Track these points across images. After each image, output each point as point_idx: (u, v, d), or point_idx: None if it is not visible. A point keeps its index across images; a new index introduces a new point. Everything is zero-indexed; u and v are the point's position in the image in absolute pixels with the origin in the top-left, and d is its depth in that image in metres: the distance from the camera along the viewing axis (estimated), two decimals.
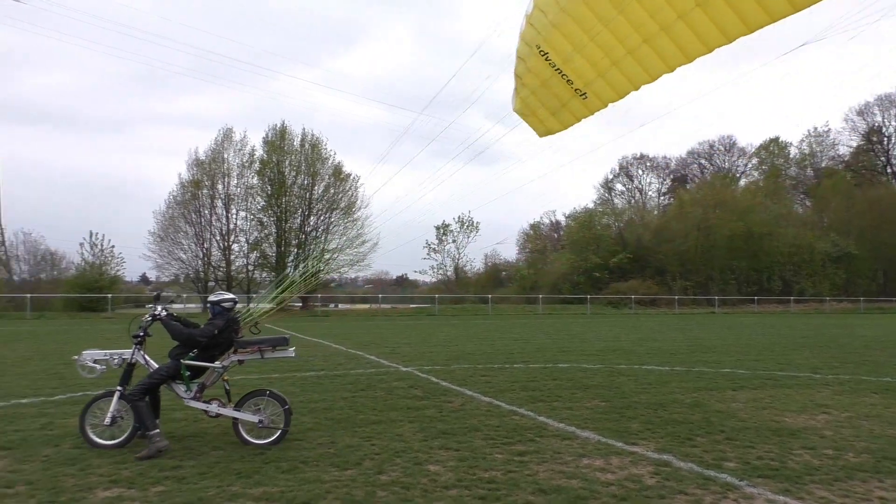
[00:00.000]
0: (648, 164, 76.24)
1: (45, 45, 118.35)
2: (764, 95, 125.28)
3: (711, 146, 77.31)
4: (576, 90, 7.02)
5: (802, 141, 73.43)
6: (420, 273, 67.05)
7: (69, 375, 11.98)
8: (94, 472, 5.84)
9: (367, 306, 53.39)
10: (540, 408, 8.94)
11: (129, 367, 6.90)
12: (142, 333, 6.98)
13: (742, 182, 72.24)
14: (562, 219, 73.95)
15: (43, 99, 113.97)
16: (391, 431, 7.50)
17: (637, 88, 6.88)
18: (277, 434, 6.80)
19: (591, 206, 68.31)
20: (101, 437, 6.66)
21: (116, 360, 6.97)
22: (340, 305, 55.59)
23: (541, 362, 14.41)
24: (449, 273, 63.29)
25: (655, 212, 71.00)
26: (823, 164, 72.77)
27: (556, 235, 75.75)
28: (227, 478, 5.67)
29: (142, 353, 6.97)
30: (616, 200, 74.48)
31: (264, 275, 50.47)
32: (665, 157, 77.56)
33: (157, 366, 6.91)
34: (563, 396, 9.88)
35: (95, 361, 7.01)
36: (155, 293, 7.64)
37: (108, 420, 6.64)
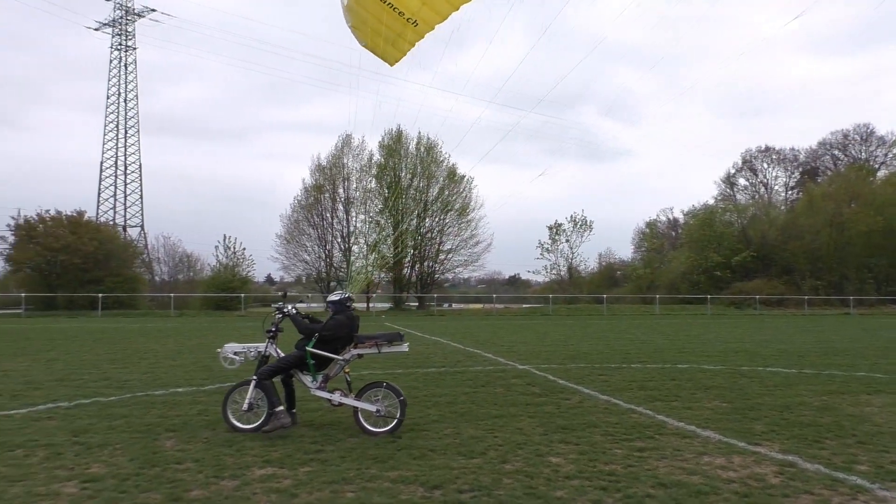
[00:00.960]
0: (774, 156, 72.33)
1: (180, 62, 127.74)
2: None
3: (846, 136, 72.20)
4: (407, 20, 7.72)
5: None
6: (533, 273, 66.99)
7: (216, 368, 13.15)
8: (249, 452, 6.55)
9: (480, 306, 54.01)
10: (658, 407, 9.00)
11: (264, 359, 7.67)
12: (274, 329, 7.73)
13: (881, 173, 67.00)
14: (680, 216, 71.62)
15: (178, 111, 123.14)
16: (512, 425, 7.83)
17: (457, 9, 7.65)
18: (393, 423, 7.31)
19: (711, 202, 65.72)
20: (240, 421, 7.43)
21: (253, 353, 7.78)
22: (454, 305, 56.55)
23: (659, 363, 14.28)
24: (562, 272, 62.85)
25: (782, 207, 67.25)
26: None
27: (673, 233, 73.44)
28: (364, 462, 6.21)
29: (274, 346, 7.74)
30: (739, 196, 71.21)
31: (382, 275, 52.21)
32: (793, 149, 73.23)
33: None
34: (683, 396, 9.85)
35: (235, 353, 7.84)
36: (282, 293, 8.40)
37: (245, 406, 7.41)
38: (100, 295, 39.51)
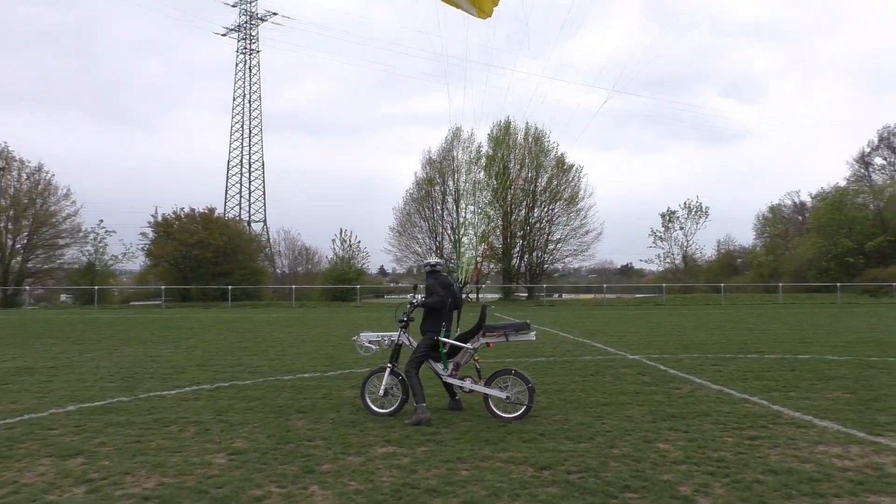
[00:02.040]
0: None
1: (298, 61, 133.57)
2: None
3: None
4: None
5: None
6: (646, 262, 65.32)
7: (336, 356, 14.01)
8: (371, 433, 7.09)
9: (591, 296, 53.38)
10: (775, 397, 8.83)
11: (397, 347, 8.16)
12: (406, 318, 8.18)
13: None
14: (807, 199, 67.46)
15: (297, 109, 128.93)
16: (620, 413, 7.97)
17: None
18: (522, 410, 7.61)
19: (842, 183, 61.48)
20: (376, 406, 7.98)
21: (386, 341, 8.29)
22: (564, 295, 56.18)
23: (778, 353, 13.82)
24: (677, 261, 60.93)
25: None
26: None
27: (800, 218, 69.31)
28: (477, 443, 6.59)
29: (406, 335, 8.18)
30: (874, 176, 66.16)
31: (492, 265, 52.68)
32: None
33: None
34: (802, 387, 9.59)
35: (371, 342, 8.37)
36: (413, 285, 8.89)
37: (381, 392, 7.94)
38: (229, 287, 42.33)
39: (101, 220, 49.01)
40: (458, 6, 7.40)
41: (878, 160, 67.81)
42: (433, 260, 8.36)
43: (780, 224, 67.61)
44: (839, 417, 7.55)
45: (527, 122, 49.43)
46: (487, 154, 50.00)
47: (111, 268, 49.54)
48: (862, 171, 66.82)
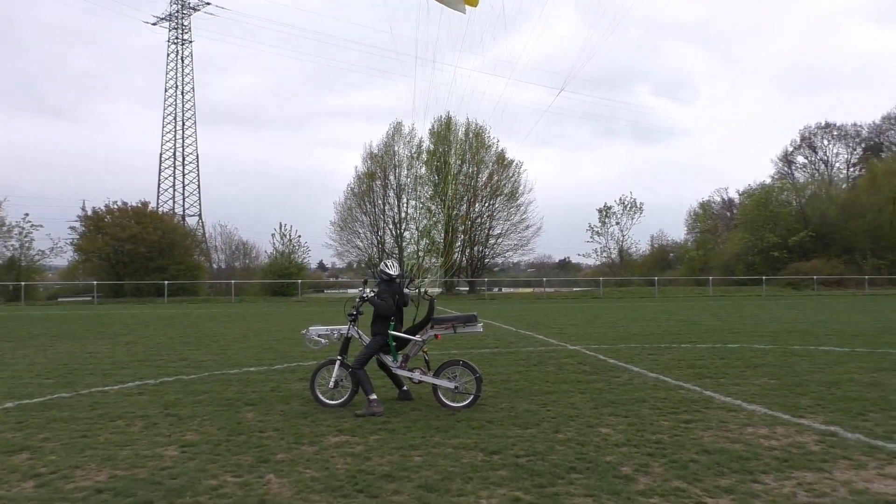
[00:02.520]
0: (835, 133, 70.20)
1: (234, 52, 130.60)
2: None
3: None
4: None
5: None
6: (583, 256, 66.81)
7: (282, 350, 13.97)
8: (323, 423, 7.19)
9: (530, 290, 54.25)
10: (706, 383, 9.33)
11: (346, 341, 8.25)
12: (355, 312, 8.27)
13: None
14: (735, 196, 70.21)
15: (233, 101, 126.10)
16: (564, 400, 8.29)
17: None
18: (470, 399, 7.83)
19: (768, 181, 64.25)
20: (326, 397, 8.06)
21: (336, 335, 8.36)
22: (504, 289, 56.92)
23: (709, 343, 14.50)
24: (613, 255, 62.53)
25: (844, 185, 65.32)
26: None
27: (728, 214, 72.06)
28: (428, 431, 6.77)
29: (356, 328, 8.28)
30: (797, 174, 69.46)
31: (433, 260, 52.82)
32: (855, 125, 70.82)
33: (367, 339, 8.20)
34: (731, 374, 10.14)
35: (320, 336, 8.43)
36: (363, 279, 8.96)
37: (331, 384, 8.03)
38: (165, 282, 41.29)
39: (27, 214, 46.86)
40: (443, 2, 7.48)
41: (801, 159, 71.38)
42: (394, 272, 8.30)
43: (709, 220, 70.14)
44: (766, 401, 8.05)
45: (467, 118, 49.85)
46: (429, 149, 50.19)
47: (38, 263, 47.56)
48: (785, 169, 70.16)
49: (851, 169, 70.37)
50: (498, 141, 50.80)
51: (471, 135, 49.73)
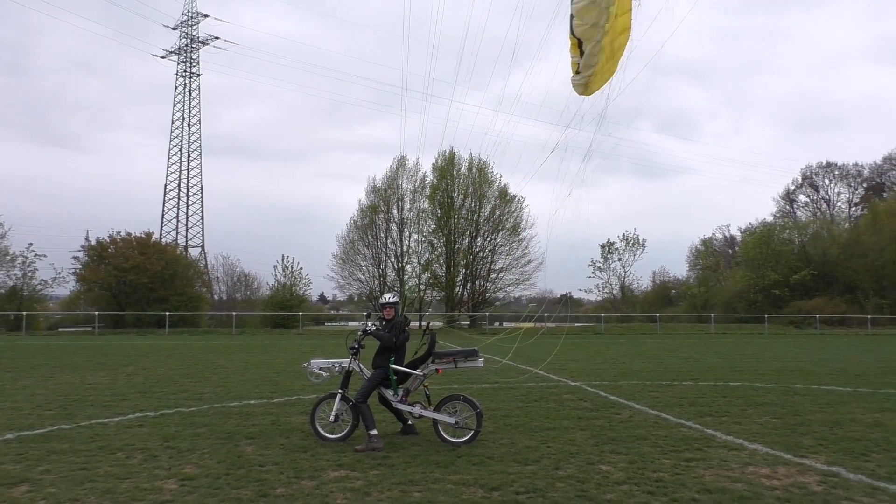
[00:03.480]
0: (837, 172, 70.53)
1: (241, 86, 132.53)
2: None
3: None
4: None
5: None
6: (585, 291, 66.66)
7: (282, 382, 13.93)
8: (322, 457, 7.17)
9: (531, 324, 54.08)
10: (708, 421, 9.29)
11: (347, 374, 8.25)
12: (357, 346, 8.29)
13: None
14: (737, 234, 70.33)
15: (239, 133, 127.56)
16: (564, 437, 8.26)
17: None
18: (470, 434, 7.82)
19: (769, 219, 64.45)
20: (326, 431, 8.04)
21: (337, 368, 8.37)
22: (505, 324, 56.72)
23: (711, 380, 14.44)
24: (615, 291, 62.44)
25: (846, 224, 65.45)
26: None
27: (730, 251, 72.10)
28: (428, 467, 6.76)
29: (357, 362, 8.29)
30: (799, 213, 69.68)
31: (434, 293, 52.91)
32: (857, 165, 71.21)
33: (369, 372, 8.21)
34: (733, 412, 10.10)
35: (321, 369, 8.43)
36: (366, 313, 9.00)
37: (332, 418, 8.01)
38: (166, 313, 41.26)
39: (31, 244, 47.07)
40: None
41: (802, 197, 71.63)
42: (392, 298, 8.43)
43: (711, 257, 70.15)
44: (768, 440, 8.01)
45: (471, 153, 50.25)
46: (432, 183, 50.50)
47: (40, 293, 47.57)
48: (787, 207, 70.38)
49: (853, 208, 70.62)
50: (501, 176, 51.14)
51: (474, 169, 50.09)
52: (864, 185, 71.41)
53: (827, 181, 70.94)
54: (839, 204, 71.02)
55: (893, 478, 6.29)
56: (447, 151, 50.58)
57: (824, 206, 70.91)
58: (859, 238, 54.91)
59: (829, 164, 70.58)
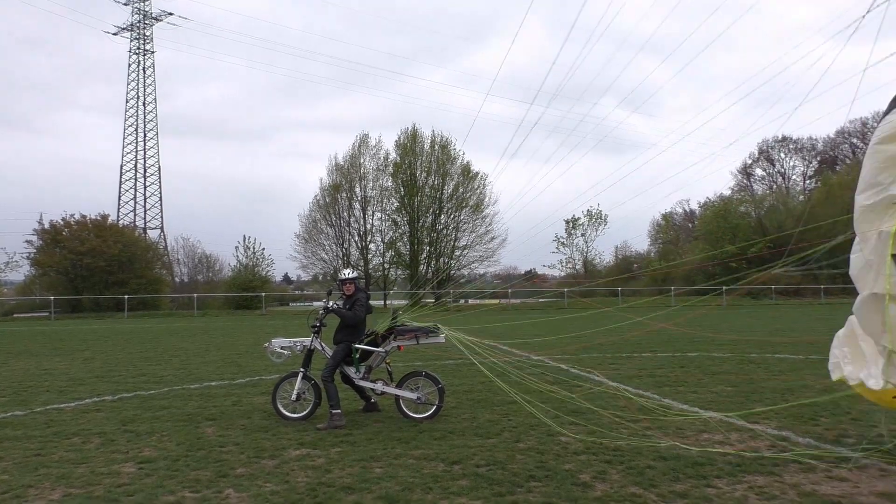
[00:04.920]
0: (792, 146, 72.15)
1: (198, 64, 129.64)
2: None
3: (864, 124, 71.62)
4: None
5: None
6: (549, 267, 67.35)
7: (244, 363, 13.82)
8: (284, 437, 7.15)
9: (496, 301, 54.45)
10: (665, 391, 9.51)
11: (309, 353, 8.22)
12: (318, 324, 8.25)
13: None
14: (696, 208, 71.62)
15: (197, 112, 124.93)
16: (525, 410, 8.35)
17: None
18: (433, 410, 7.87)
19: (727, 193, 65.74)
20: (288, 410, 8.01)
21: (299, 347, 8.33)
22: (470, 301, 57.01)
23: (669, 351, 14.75)
24: (578, 267, 63.18)
25: (800, 197, 67.09)
26: None
27: (690, 225, 73.41)
28: (389, 443, 6.79)
29: (318, 340, 8.26)
30: (755, 186, 71.19)
31: (399, 272, 52.87)
32: (811, 139, 72.91)
33: (330, 351, 8.18)
34: (690, 382, 10.34)
35: (283, 348, 8.38)
36: (327, 291, 8.94)
37: (294, 397, 7.99)
38: (125, 297, 40.50)
39: None
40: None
41: (759, 171, 73.14)
42: (352, 273, 8.42)
43: (671, 231, 71.36)
44: (722, 408, 8.24)
45: (433, 130, 50.11)
46: (395, 161, 50.23)
47: None
48: (744, 181, 71.80)
49: (808, 181, 72.36)
50: (464, 153, 51.07)
51: (437, 147, 49.94)
52: (818, 158, 73.17)
53: (782, 155, 72.57)
54: (794, 177, 72.77)
55: (839, 440, 6.52)
56: (410, 129, 50.31)
57: (780, 179, 72.59)
58: (813, 210, 56.33)
59: (784, 139, 72.07)
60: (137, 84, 72.65)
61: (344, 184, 49.88)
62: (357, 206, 50.24)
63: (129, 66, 72.98)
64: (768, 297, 46.56)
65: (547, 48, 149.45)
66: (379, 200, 50.57)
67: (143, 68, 72.80)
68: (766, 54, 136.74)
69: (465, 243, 52.38)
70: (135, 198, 71.76)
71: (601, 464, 5.87)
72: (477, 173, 50.89)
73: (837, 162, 71.53)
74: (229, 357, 15.14)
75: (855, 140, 72.69)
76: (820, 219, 54.89)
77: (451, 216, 51.00)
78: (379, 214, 50.95)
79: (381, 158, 50.38)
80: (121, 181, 71.72)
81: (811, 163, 73.20)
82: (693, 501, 4.86)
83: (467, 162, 50.91)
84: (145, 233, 66.70)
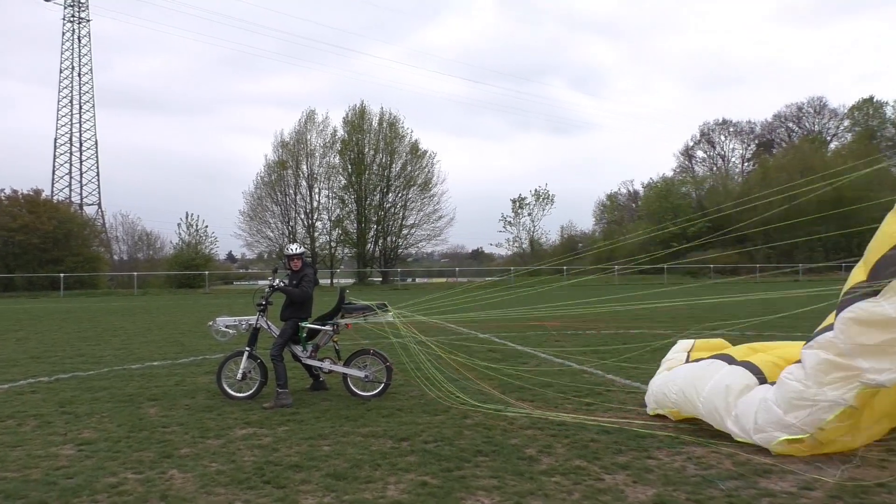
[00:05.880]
0: (732, 129, 74.16)
1: (138, 34, 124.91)
2: (857, 52, 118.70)
3: (800, 108, 74.26)
4: None
5: None
6: (495, 246, 67.97)
7: (187, 343, 13.56)
8: (229, 416, 7.06)
9: (443, 280, 54.71)
10: (608, 367, 9.74)
11: (255, 332, 8.10)
12: (264, 302, 8.13)
13: (833, 146, 69.25)
14: (640, 188, 73.11)
15: (137, 84, 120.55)
16: (473, 387, 8.45)
17: None
18: (381, 387, 7.89)
19: (670, 174, 67.29)
20: (233, 390, 7.91)
21: (244, 326, 8.19)
22: (418, 279, 57.13)
23: (612, 328, 15.10)
24: (524, 246, 63.91)
25: (738, 179, 69.15)
26: None
27: (633, 206, 74.97)
28: (337, 421, 6.78)
29: (265, 318, 8.14)
30: (697, 168, 73.02)
31: (346, 250, 52.51)
32: (749, 122, 75.08)
33: (277, 329, 8.09)
34: (632, 358, 10.60)
35: (227, 326, 8.24)
36: (273, 268, 8.81)
37: (239, 376, 7.87)
38: (61, 275, 39.13)
39: None
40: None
41: (700, 153, 75.00)
42: (298, 249, 8.29)
43: (616, 211, 72.75)
44: None
45: (381, 107, 49.68)
46: (343, 138, 49.64)
47: None
48: (686, 163, 73.56)
49: (746, 164, 74.59)
50: (412, 131, 50.88)
51: (385, 124, 49.54)
52: (756, 141, 75.45)
53: (723, 137, 74.50)
54: (733, 159, 74.88)
55: None
56: (358, 106, 49.73)
57: (720, 161, 74.60)
58: (750, 191, 58.16)
59: (724, 121, 74.04)
60: (72, 53, 69.69)
61: (290, 161, 49.09)
62: (303, 183, 49.59)
63: (63, 34, 69.87)
64: (707, 276, 48.01)
65: (498, 26, 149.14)
66: (326, 178, 50.05)
67: (79, 37, 69.83)
68: (713, 38, 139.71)
69: (412, 222, 52.32)
70: (70, 172, 69.15)
71: (547, 438, 6.00)
72: (425, 151, 50.79)
73: (774, 145, 73.91)
74: (172, 336, 14.83)
75: (791, 124, 75.26)
76: (756, 200, 56.83)
77: (399, 194, 50.84)
78: (326, 192, 50.43)
79: (329, 135, 49.80)
80: (55, 155, 68.97)
81: (749, 145, 75.44)
82: (634, 472, 5.01)
83: (416, 140, 50.74)
84: (81, 209, 64.43)
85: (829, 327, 5.35)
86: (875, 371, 4.92)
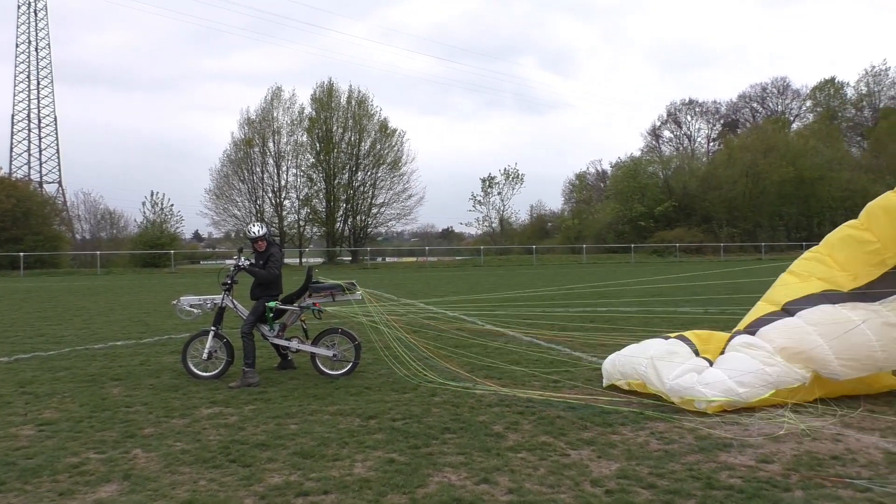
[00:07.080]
0: (698, 109, 74.89)
1: (99, 7, 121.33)
2: (820, 34, 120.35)
3: (764, 89, 75.35)
4: None
5: (860, 81, 70.80)
6: (465, 225, 68.04)
7: (152, 322, 13.37)
8: (195, 396, 6.99)
9: (413, 259, 54.65)
10: (576, 344, 9.84)
11: (220, 311, 8.00)
12: (229, 281, 8.03)
13: (795, 126, 70.43)
14: (608, 168, 73.63)
15: (98, 59, 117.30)
16: (442, 365, 8.48)
17: None
18: (349, 366, 7.87)
19: (637, 154, 67.84)
20: (199, 369, 7.82)
21: (209, 305, 8.08)
22: (388, 259, 56.99)
23: (580, 307, 15.24)
24: (494, 225, 64.07)
25: (704, 158, 70.02)
26: (882, 105, 70.15)
27: (602, 185, 75.53)
28: (305, 399, 6.75)
29: (230, 298, 8.04)
30: (663, 148, 73.72)
31: (315, 229, 52.08)
32: (715, 102, 75.95)
33: (243, 308, 8.00)
34: (599, 335, 10.73)
35: (192, 306, 8.12)
36: (239, 248, 8.69)
37: (205, 355, 7.78)
38: (21, 254, 38.20)
39: None
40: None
41: (667, 133, 75.71)
42: (261, 230, 8.10)
43: (584, 190, 73.25)
44: None
45: (350, 85, 49.13)
46: (310, 116, 49.00)
47: None
48: (653, 142, 74.22)
49: (711, 144, 75.54)
50: (381, 109, 50.42)
51: (353, 102, 49.01)
52: (721, 121, 76.37)
53: (689, 118, 75.24)
54: (699, 139, 75.76)
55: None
56: (326, 83, 49.09)
57: (686, 141, 75.41)
58: (715, 171, 59.01)
59: (691, 102, 74.74)
60: (28, 28, 67.57)
61: (256, 138, 48.37)
62: (271, 161, 48.94)
63: (19, 7, 67.60)
64: (673, 255, 48.70)
65: (469, 4, 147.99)
66: (294, 156, 49.47)
67: (35, 10, 67.67)
68: (681, 19, 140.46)
69: (382, 200, 52.05)
70: (28, 150, 67.41)
71: (514, 415, 6.05)
72: (395, 130, 50.42)
73: (739, 125, 74.88)
74: (136, 316, 14.60)
75: (755, 104, 76.28)
76: (721, 180, 57.70)
77: (369, 173, 50.49)
78: (294, 170, 49.86)
79: (296, 113, 49.13)
80: (12, 132, 67.12)
81: (715, 126, 76.34)
82: (599, 447, 5.09)
83: (385, 118, 50.33)
84: (41, 187, 62.93)
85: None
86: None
